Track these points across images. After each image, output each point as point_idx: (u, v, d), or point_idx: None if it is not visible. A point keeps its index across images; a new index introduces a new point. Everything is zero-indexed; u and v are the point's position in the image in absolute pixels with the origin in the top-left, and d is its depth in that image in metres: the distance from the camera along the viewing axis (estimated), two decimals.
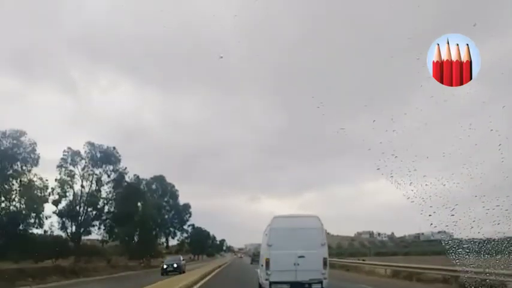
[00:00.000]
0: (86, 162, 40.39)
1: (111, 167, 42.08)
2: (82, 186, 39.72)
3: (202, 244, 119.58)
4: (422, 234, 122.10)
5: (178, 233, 74.80)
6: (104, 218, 42.23)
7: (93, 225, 41.43)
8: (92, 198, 39.79)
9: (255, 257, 54.15)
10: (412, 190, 4.98)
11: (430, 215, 5.40)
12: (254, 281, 19.47)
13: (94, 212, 41.20)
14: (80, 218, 39.20)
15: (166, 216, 66.60)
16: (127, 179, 44.39)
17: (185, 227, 74.81)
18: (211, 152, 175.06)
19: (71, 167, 39.73)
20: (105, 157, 41.33)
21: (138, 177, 47.10)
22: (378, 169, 4.85)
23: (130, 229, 49.56)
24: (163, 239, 73.67)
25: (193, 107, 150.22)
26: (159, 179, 66.31)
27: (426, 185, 4.89)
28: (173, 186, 68.05)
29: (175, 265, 30.71)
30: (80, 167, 40.45)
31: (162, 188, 66.77)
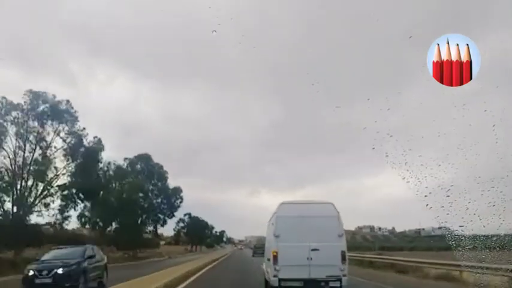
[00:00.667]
0: (25, 117, 31.13)
1: (66, 128, 33.53)
2: (19, 148, 30.71)
3: (200, 234, 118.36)
4: (423, 229, 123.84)
5: (169, 221, 66.78)
6: (56, 193, 34.14)
7: (36, 204, 32.41)
8: (38, 167, 31.59)
9: (256, 249, 55.00)
10: (408, 170, 5.33)
11: (425, 196, 5.77)
12: (256, 275, 18.67)
13: (41, 187, 32.44)
14: (17, 192, 30.39)
15: (154, 201, 60.37)
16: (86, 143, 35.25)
17: (177, 213, 66.59)
18: (211, 146, 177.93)
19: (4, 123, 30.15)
20: (55, 112, 32.39)
21: (99, 140, 36.84)
22: (373, 148, 5.15)
23: (105, 214, 45.26)
24: (160, 229, 70.17)
25: (193, 102, 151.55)
26: (144, 158, 58.89)
27: (421, 165, 5.23)
28: (161, 167, 60.48)
29: (59, 271, 13.49)
30: (17, 126, 31.00)
31: (148, 169, 59.36)
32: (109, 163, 47.69)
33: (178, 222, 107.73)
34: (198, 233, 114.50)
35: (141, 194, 55.18)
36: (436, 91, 4.29)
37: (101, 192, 42.13)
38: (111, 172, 48.04)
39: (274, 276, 10.55)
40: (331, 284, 10.41)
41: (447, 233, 7.52)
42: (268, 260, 11.54)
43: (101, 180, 41.11)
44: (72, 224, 43.73)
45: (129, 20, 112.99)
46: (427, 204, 6.17)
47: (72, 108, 33.88)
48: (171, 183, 63.42)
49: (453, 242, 6.93)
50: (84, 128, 34.89)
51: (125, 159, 55.41)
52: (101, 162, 39.19)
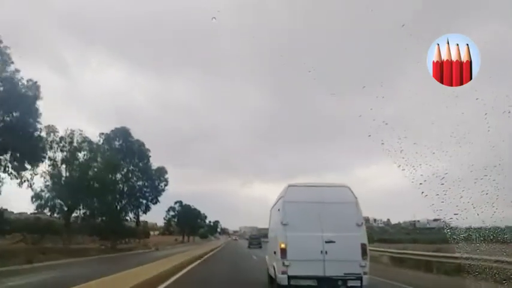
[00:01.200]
0: None
1: None
2: None
3: (192, 224, 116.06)
4: (418, 221, 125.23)
5: (156, 208, 66.69)
6: None
7: None
8: None
9: (252, 240, 55.60)
10: (403, 158, 5.68)
11: (420, 184, 6.17)
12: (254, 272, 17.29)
13: None
14: None
15: (134, 184, 54.50)
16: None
17: (162, 198, 58.57)
18: (204, 136, 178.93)
19: None
20: None
21: (36, 85, 30.32)
22: (369, 136, 5.44)
23: (69, 195, 40.94)
24: (151, 218, 69.15)
25: (186, 90, 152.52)
26: (122, 133, 52.90)
27: (416, 153, 5.58)
28: (142, 143, 54.78)
29: None
30: None
31: (127, 146, 53.13)
32: (72, 132, 43.60)
33: (168, 210, 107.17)
34: (190, 222, 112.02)
35: (118, 176, 51.00)
36: (429, 80, 4.55)
37: (45, 160, 37.35)
38: (75, 144, 43.69)
39: (283, 273, 9.45)
40: (350, 283, 9.25)
41: (443, 225, 7.75)
42: (275, 253, 10.41)
43: (40, 142, 34.25)
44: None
45: (123, 8, 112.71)
46: (422, 192, 6.57)
47: (1, 42, 27.69)
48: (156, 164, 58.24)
49: (449, 231, 7.22)
50: (18, 71, 28.86)
51: (101, 134, 51.34)
52: (39, 118, 31.70)
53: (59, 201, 42.05)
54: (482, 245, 6.66)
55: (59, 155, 42.10)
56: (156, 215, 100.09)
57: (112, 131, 52.37)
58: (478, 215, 6.60)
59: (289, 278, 9.33)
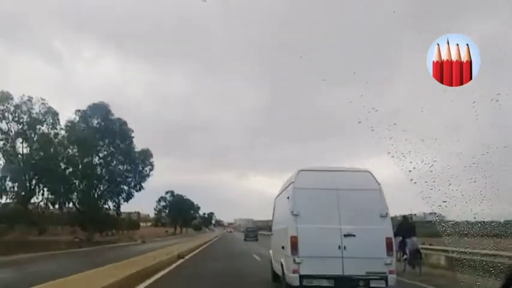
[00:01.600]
0: None
1: None
2: None
3: (185, 215, 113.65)
4: (415, 215, 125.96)
5: (147, 196, 58.59)
6: None
7: None
8: None
9: (248, 232, 56.10)
10: (392, 145, 5.92)
11: (410, 171, 6.44)
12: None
13: None
14: None
15: (118, 167, 50.23)
16: None
17: (146, 184, 53.69)
18: (200, 128, 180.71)
19: None
20: None
21: None
22: (359, 122, 5.65)
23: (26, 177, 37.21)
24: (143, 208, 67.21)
25: (181, 84, 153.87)
26: (100, 110, 47.79)
27: (406, 139, 5.77)
28: (124, 122, 49.85)
29: None
30: None
31: (106, 125, 47.94)
32: (30, 99, 39.38)
33: (159, 200, 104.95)
34: (183, 213, 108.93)
35: (97, 159, 46.62)
36: (418, 67, 4.75)
37: None
38: (34, 115, 39.54)
39: (294, 271, 8.45)
40: (373, 284, 8.36)
41: (437, 218, 7.90)
42: (283, 248, 9.37)
43: None
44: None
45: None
46: (412, 179, 6.77)
47: None
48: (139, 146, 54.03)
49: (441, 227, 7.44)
50: None
51: (76, 111, 47.11)
52: None
53: (11, 183, 37.60)
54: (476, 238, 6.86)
55: (14, 127, 37.33)
56: (150, 206, 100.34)
57: (89, 106, 47.57)
58: (466, 202, 6.86)
59: (301, 277, 8.38)
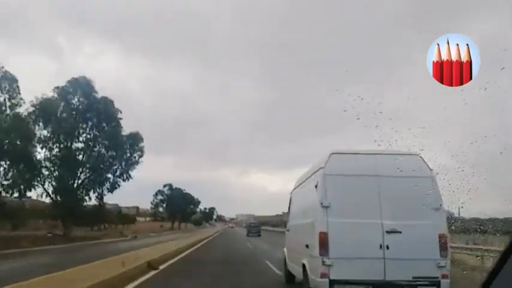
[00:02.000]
0: None
1: None
2: None
3: (183, 210, 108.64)
4: None
5: (136, 188, 52.78)
6: None
7: None
8: None
9: (251, 228, 56.55)
10: (378, 133, 5.90)
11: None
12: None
13: None
14: None
15: (101, 153, 44.81)
16: None
17: (134, 172, 47.46)
18: (201, 124, 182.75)
19: None
20: None
21: None
22: (345, 111, 5.70)
23: None
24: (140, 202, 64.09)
25: (181, 78, 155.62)
26: (82, 86, 42.42)
27: (392, 128, 5.83)
28: (110, 102, 43.98)
29: None
30: None
31: (89, 103, 42.64)
32: None
33: (156, 194, 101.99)
34: (181, 208, 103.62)
35: (77, 144, 41.26)
36: (407, 57, 4.81)
37: None
38: None
39: (323, 275, 7.22)
40: None
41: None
42: (307, 246, 8.20)
43: None
44: None
45: None
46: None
47: None
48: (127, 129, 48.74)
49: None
50: None
51: (55, 88, 41.82)
52: None
53: None
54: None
55: None
56: (149, 201, 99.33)
57: (68, 81, 42.05)
58: (453, 192, 6.92)
59: (332, 282, 7.14)
